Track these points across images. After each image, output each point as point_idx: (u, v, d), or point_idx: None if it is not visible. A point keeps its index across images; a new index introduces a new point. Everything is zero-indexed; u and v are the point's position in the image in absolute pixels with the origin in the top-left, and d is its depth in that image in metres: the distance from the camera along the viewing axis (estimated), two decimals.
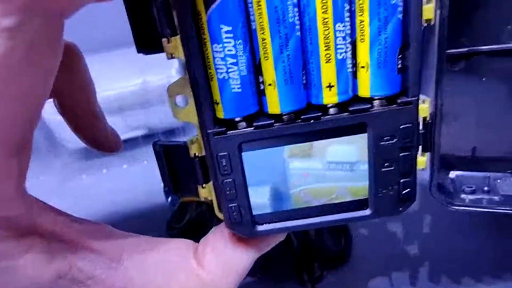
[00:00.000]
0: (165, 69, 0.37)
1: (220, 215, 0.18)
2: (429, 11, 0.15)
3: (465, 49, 0.18)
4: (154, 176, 0.33)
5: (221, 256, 0.18)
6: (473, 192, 0.19)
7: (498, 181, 0.20)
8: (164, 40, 0.15)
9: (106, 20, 0.35)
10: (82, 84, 0.20)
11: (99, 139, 0.22)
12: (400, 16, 0.14)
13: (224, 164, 0.16)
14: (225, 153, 0.16)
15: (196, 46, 0.14)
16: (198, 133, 0.17)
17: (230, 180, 0.16)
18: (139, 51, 0.16)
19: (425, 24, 0.15)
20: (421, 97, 0.17)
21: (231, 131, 0.16)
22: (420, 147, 0.18)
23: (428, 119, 0.17)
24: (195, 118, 0.17)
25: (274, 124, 0.15)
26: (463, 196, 0.19)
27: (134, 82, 0.36)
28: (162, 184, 0.32)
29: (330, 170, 0.16)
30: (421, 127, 0.17)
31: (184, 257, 0.18)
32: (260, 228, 0.17)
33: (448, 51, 0.18)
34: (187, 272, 0.17)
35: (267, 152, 0.16)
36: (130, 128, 0.40)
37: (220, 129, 0.15)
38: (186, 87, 0.16)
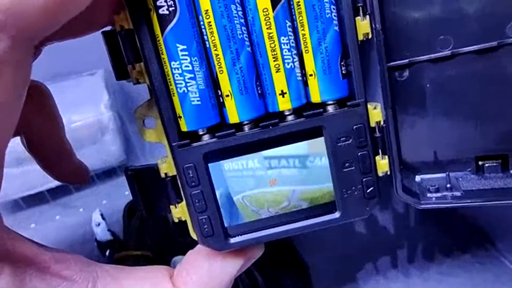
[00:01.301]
0: (92, 106, 0.32)
1: (195, 236, 0.18)
2: (365, 26, 0.17)
3: (406, 60, 0.20)
4: (90, 225, 0.32)
5: (197, 277, 0.17)
6: (437, 191, 0.20)
7: (459, 179, 0.21)
8: (129, 67, 0.16)
9: None
10: (51, 121, 0.21)
11: (67, 173, 0.22)
12: (336, 28, 0.16)
13: (191, 175, 0.16)
14: (191, 164, 0.16)
15: (156, 65, 0.16)
16: (167, 152, 0.18)
17: (198, 191, 0.17)
18: (117, 79, 0.17)
19: (363, 38, 0.17)
20: (374, 103, 0.18)
21: (195, 143, 0.16)
22: (380, 151, 0.19)
23: (382, 123, 0.18)
24: (163, 138, 0.17)
25: (236, 133, 0.16)
26: (429, 195, 0.20)
27: None
28: (95, 238, 0.31)
29: (271, 168, 0.17)
30: (377, 132, 0.18)
31: (160, 283, 0.17)
32: (233, 240, 0.17)
33: (391, 63, 0.20)
34: None
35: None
36: None
37: (184, 141, 0.16)
38: (152, 109, 0.17)
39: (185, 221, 0.18)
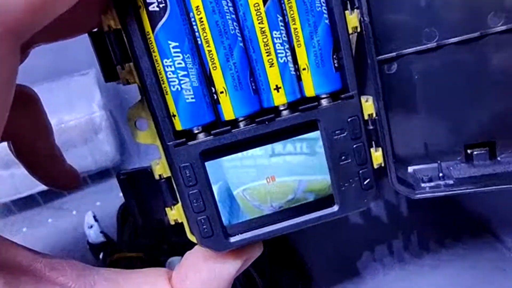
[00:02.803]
0: (84, 105, 0.31)
1: (193, 238, 0.18)
2: (353, 20, 0.17)
3: (394, 53, 0.20)
4: (83, 228, 0.30)
5: (195, 279, 0.17)
6: (430, 180, 0.20)
7: (451, 168, 0.21)
8: (118, 67, 0.16)
9: None
10: (40, 127, 0.20)
11: (57, 179, 0.21)
12: (327, 21, 0.16)
13: (188, 175, 0.16)
14: (188, 164, 0.16)
15: (147, 64, 0.15)
16: (160, 153, 0.17)
17: (196, 191, 0.16)
18: (106, 81, 0.17)
19: (352, 32, 0.17)
20: (365, 96, 0.18)
21: (191, 142, 0.16)
22: (373, 143, 0.19)
23: (374, 115, 0.18)
24: (156, 139, 0.17)
25: (232, 130, 0.16)
26: (423, 185, 0.20)
27: None
28: (87, 240, 0.30)
29: (274, 155, 0.17)
30: (370, 125, 0.19)
31: (159, 286, 0.17)
32: (233, 239, 0.17)
33: (380, 57, 0.21)
34: None
35: None
36: None
37: (180, 140, 0.16)
38: (144, 110, 0.17)
39: (182, 223, 0.18)
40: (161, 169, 0.17)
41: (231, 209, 0.17)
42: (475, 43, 0.19)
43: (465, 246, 0.28)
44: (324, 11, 0.16)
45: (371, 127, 0.19)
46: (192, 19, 0.15)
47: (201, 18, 0.15)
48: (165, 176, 0.17)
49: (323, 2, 0.16)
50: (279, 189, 0.17)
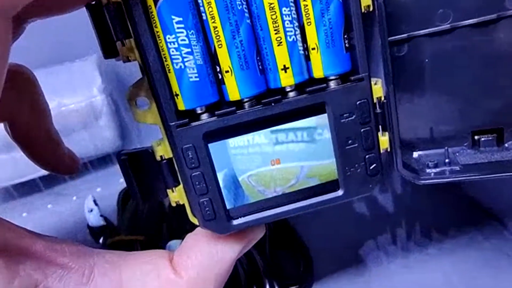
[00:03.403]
0: (84, 89, 0.31)
1: (195, 220, 0.18)
2: None
3: (405, 35, 0.20)
4: (83, 213, 0.30)
5: (197, 261, 0.17)
6: (436, 166, 0.20)
7: (457, 154, 0.21)
8: (118, 43, 0.15)
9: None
10: (36, 108, 0.19)
11: (55, 163, 0.21)
12: None
13: (190, 156, 0.15)
14: (190, 145, 0.15)
15: (149, 40, 0.14)
16: (162, 134, 0.17)
17: (199, 173, 0.16)
18: (105, 57, 0.16)
19: (364, 11, 0.16)
20: (374, 79, 0.18)
21: (194, 122, 0.15)
22: (380, 128, 0.18)
23: (382, 99, 0.18)
24: (157, 118, 0.16)
25: (236, 111, 0.15)
26: (428, 170, 0.20)
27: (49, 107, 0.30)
28: (87, 223, 0.30)
29: (278, 143, 0.16)
30: (378, 108, 0.18)
31: (161, 268, 0.16)
32: (236, 222, 0.17)
33: (390, 38, 0.20)
34: (165, 283, 0.16)
35: None
36: None
37: (182, 121, 0.15)
38: (144, 89, 0.16)
39: (183, 205, 0.18)
40: (162, 150, 0.16)
41: (236, 194, 0.16)
42: (491, 26, 0.19)
43: (469, 232, 0.28)
44: None
45: (378, 111, 0.18)
46: None
47: None
48: (166, 157, 0.16)
49: None
50: (282, 174, 0.16)
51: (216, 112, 0.15)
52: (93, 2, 0.15)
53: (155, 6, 0.14)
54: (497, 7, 0.18)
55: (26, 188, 0.33)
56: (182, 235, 0.18)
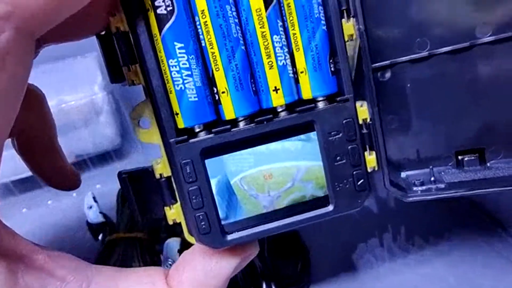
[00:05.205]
0: (85, 86, 0.30)
1: (191, 239, 0.18)
2: (349, 28, 0.18)
3: (388, 62, 0.21)
4: (83, 210, 0.30)
5: (192, 276, 0.17)
6: (422, 184, 0.21)
7: (442, 173, 0.22)
8: (125, 68, 0.17)
9: None
10: (44, 125, 0.20)
11: (58, 177, 0.22)
12: (324, 27, 0.17)
13: (188, 171, 0.16)
14: (189, 160, 0.16)
15: (154, 64, 0.16)
16: (162, 152, 0.18)
17: (196, 187, 0.17)
18: (112, 82, 0.17)
19: (348, 39, 0.18)
20: (360, 102, 0.19)
21: (192, 139, 0.17)
22: (368, 147, 0.19)
23: (368, 120, 0.19)
24: (158, 138, 0.17)
25: (232, 129, 0.17)
26: (415, 188, 0.21)
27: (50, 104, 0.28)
28: (86, 220, 0.30)
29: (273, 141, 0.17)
30: (364, 129, 0.19)
31: (156, 282, 0.17)
32: (230, 237, 0.17)
33: (374, 64, 0.22)
34: None
35: None
36: None
37: (182, 138, 0.16)
38: (148, 109, 0.17)
39: (180, 223, 0.18)
40: (162, 168, 0.17)
41: (229, 203, 0.17)
42: (465, 53, 0.20)
43: (466, 234, 0.28)
44: (322, 17, 0.17)
45: (365, 131, 0.19)
46: (197, 22, 0.16)
47: (206, 21, 0.16)
48: (165, 175, 0.17)
49: (321, 10, 0.17)
50: (277, 176, 0.17)
51: (213, 130, 0.16)
52: (103, 32, 0.17)
53: (160, 34, 0.16)
54: (469, 36, 0.20)
55: (26, 184, 0.32)
56: (181, 233, 0.18)
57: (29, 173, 0.32)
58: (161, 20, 0.15)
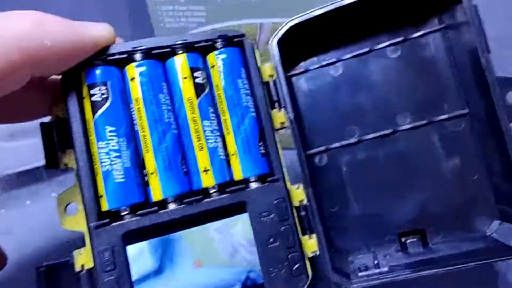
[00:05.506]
0: None
1: None
2: (281, 117, 0.20)
3: (323, 148, 0.23)
4: None
5: None
6: (366, 269, 0.20)
7: (387, 256, 0.21)
8: (59, 153, 0.17)
9: None
10: None
11: None
12: (253, 114, 0.18)
13: (106, 259, 0.15)
14: (108, 246, 0.15)
15: (83, 146, 0.16)
16: (86, 241, 0.16)
17: (113, 277, 0.15)
18: (47, 167, 0.17)
19: (280, 127, 0.20)
20: (297, 184, 0.19)
21: (114, 222, 0.16)
22: (308, 231, 0.19)
23: (305, 202, 0.19)
24: (84, 225, 0.16)
25: (159, 211, 0.16)
26: (359, 274, 0.20)
27: None
28: None
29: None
30: (302, 211, 0.19)
31: None
32: None
33: (310, 151, 0.23)
34: None
35: None
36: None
37: (102, 221, 0.16)
38: (75, 194, 0.17)
39: None
40: (84, 259, 0.16)
41: None
42: (389, 139, 0.22)
43: None
44: (250, 106, 0.18)
45: (303, 213, 0.19)
46: (132, 109, 0.17)
47: (139, 108, 0.17)
48: (87, 267, 0.16)
49: (250, 99, 0.18)
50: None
51: (138, 212, 0.16)
52: (47, 121, 0.17)
53: (93, 118, 0.16)
54: (391, 123, 0.22)
55: (29, 176, 0.31)
56: None
57: (33, 165, 0.30)
58: (95, 106, 0.16)
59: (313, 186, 0.20)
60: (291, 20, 0.21)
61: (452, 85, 0.22)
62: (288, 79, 0.24)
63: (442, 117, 0.22)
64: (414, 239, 0.22)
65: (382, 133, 0.22)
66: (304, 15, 0.21)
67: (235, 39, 0.18)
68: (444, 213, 0.21)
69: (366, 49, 0.23)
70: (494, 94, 0.19)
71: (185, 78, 0.17)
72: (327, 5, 0.21)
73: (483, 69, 0.19)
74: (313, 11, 0.21)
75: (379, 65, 0.23)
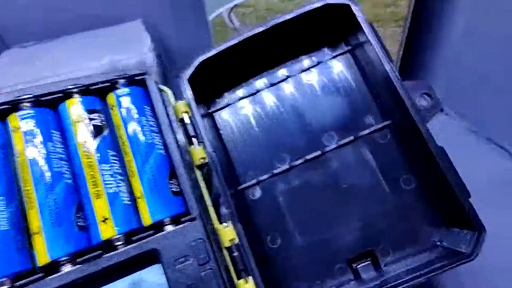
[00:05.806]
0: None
1: None
2: (201, 152, 0.18)
3: (254, 180, 0.21)
4: None
5: None
6: None
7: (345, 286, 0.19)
8: None
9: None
10: None
11: None
12: (160, 151, 0.17)
13: None
14: None
15: None
16: None
17: None
18: None
19: (200, 163, 0.18)
20: (226, 223, 0.18)
21: None
22: (243, 273, 0.17)
23: (237, 241, 0.17)
24: None
25: (46, 277, 0.13)
26: None
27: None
28: None
29: None
30: (235, 251, 0.17)
31: None
32: None
33: (241, 186, 0.21)
34: None
35: None
36: None
37: None
38: None
39: None
40: None
41: None
42: (318, 161, 0.21)
43: None
44: (157, 143, 0.17)
45: (235, 254, 0.17)
46: (15, 162, 0.15)
47: (22, 160, 0.15)
48: None
49: (156, 136, 0.17)
50: None
51: (17, 284, 0.13)
52: None
53: None
54: (318, 146, 0.22)
55: None
56: None
57: None
58: None
59: (247, 223, 0.18)
60: (201, 56, 0.21)
61: (371, 99, 0.22)
62: (210, 115, 0.23)
63: (367, 130, 0.21)
64: (365, 263, 0.20)
65: (311, 155, 0.21)
66: (214, 49, 0.21)
67: (136, 78, 0.18)
68: (390, 228, 0.20)
69: (284, 77, 0.23)
70: (405, 99, 0.19)
71: (77, 121, 0.16)
72: (235, 38, 0.21)
73: (391, 78, 0.19)
74: (223, 43, 0.21)
75: (297, 91, 0.23)
